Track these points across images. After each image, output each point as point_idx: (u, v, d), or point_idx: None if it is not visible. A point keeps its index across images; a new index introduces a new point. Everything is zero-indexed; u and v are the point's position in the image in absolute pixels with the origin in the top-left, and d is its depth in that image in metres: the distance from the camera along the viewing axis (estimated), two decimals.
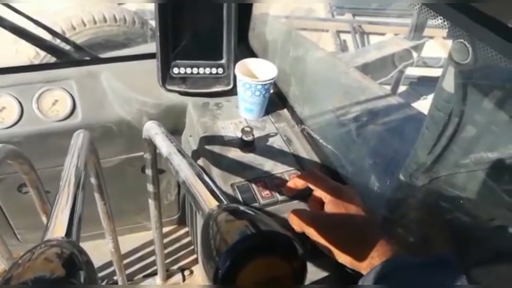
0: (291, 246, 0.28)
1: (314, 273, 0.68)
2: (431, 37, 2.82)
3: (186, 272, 1.25)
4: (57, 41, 1.62)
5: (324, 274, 0.69)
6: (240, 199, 0.73)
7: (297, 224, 0.61)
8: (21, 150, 0.72)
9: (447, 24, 0.47)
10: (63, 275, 0.25)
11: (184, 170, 0.46)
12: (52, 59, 1.44)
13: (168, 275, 1.21)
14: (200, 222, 1.02)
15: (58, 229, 0.34)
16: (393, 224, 0.68)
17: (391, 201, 0.69)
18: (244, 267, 0.26)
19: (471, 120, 0.55)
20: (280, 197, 0.74)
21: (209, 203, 0.36)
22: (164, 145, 0.59)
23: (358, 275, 0.55)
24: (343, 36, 3.37)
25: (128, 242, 1.29)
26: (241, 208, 0.32)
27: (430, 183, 0.61)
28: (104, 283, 1.18)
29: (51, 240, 0.31)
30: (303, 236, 0.60)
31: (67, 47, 1.55)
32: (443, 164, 0.58)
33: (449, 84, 0.57)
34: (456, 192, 0.58)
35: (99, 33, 1.82)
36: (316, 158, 0.85)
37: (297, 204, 0.74)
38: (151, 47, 1.00)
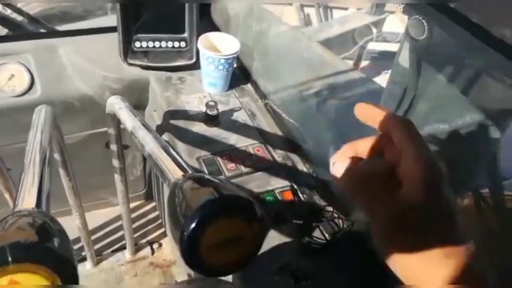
0: (250, 208, 0.30)
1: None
2: (392, 12, 2.87)
3: (155, 245, 1.27)
4: (8, 11, 1.53)
5: None
6: (206, 172, 0.75)
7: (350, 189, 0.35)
8: None
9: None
10: (37, 240, 0.27)
11: (149, 143, 0.47)
12: (5, 32, 1.36)
13: (137, 249, 1.22)
14: (167, 195, 1.03)
15: (27, 201, 0.34)
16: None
17: None
18: (207, 228, 0.29)
19: (425, 94, 0.59)
20: (244, 169, 0.77)
21: (175, 173, 0.38)
22: (128, 120, 0.59)
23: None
24: (307, 10, 3.36)
25: (96, 218, 1.29)
26: (206, 176, 0.34)
27: None
28: None
29: (22, 211, 0.32)
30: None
31: (19, 18, 1.46)
32: None
33: (405, 59, 0.60)
34: None
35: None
36: (279, 132, 0.88)
37: (261, 175, 0.77)
38: (112, 20, 0.98)
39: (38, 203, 0.34)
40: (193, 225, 0.28)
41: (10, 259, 0.25)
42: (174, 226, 0.31)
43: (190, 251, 0.29)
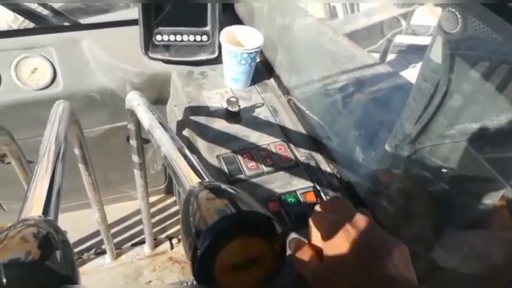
0: (270, 226, 0.28)
1: None
2: (422, 4, 2.76)
3: (174, 241, 1.27)
4: (34, 5, 1.54)
5: None
6: (226, 170, 0.73)
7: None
8: (1, 120, 0.70)
9: None
10: (38, 257, 0.25)
11: (165, 144, 0.45)
12: (30, 25, 1.38)
13: (156, 243, 1.22)
14: None
15: (35, 206, 0.33)
16: (376, 195, 0.68)
17: (376, 173, 0.69)
18: (223, 247, 0.26)
19: (457, 91, 0.55)
20: (265, 169, 0.74)
21: (191, 179, 0.36)
22: (145, 117, 0.57)
23: None
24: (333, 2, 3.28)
25: (116, 211, 1.29)
26: (223, 186, 0.32)
27: (415, 154, 0.61)
28: (92, 251, 1.19)
29: (28, 220, 0.30)
30: None
31: (44, 12, 1.48)
32: (428, 135, 0.58)
33: (437, 55, 0.56)
34: (440, 162, 0.58)
35: None
36: (302, 130, 0.85)
37: (283, 175, 0.74)
38: (134, 12, 0.96)
39: (46, 209, 0.32)
40: (207, 243, 0.25)
41: (4, 280, 0.23)
42: (186, 238, 0.28)
43: (203, 271, 0.26)
